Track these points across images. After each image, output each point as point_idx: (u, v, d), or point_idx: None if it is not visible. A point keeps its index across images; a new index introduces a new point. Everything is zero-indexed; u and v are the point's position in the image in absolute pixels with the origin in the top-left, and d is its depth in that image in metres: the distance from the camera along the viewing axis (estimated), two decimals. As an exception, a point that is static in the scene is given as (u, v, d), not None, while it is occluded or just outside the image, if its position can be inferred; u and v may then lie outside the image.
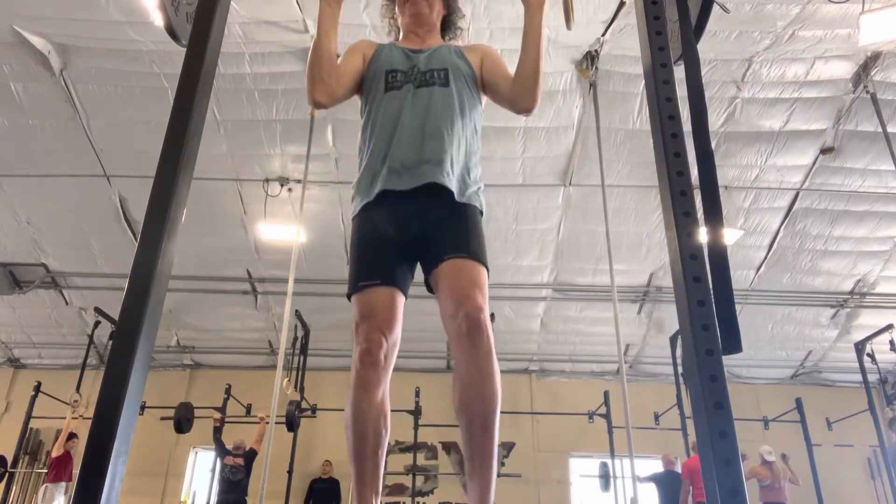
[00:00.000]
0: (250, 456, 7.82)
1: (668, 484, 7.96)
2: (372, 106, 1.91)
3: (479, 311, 1.59)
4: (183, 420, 8.47)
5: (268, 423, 7.56)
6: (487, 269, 1.72)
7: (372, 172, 1.81)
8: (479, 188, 1.86)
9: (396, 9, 2.11)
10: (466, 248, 1.70)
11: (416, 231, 1.75)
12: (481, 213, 1.84)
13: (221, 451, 7.89)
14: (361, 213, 1.83)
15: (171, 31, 1.71)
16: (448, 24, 2.15)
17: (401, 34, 2.12)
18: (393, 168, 1.77)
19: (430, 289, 1.76)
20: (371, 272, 1.73)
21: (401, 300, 1.75)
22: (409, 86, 1.87)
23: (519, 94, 1.90)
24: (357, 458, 1.64)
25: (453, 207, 1.76)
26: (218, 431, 7.98)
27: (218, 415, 8.15)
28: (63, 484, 7.68)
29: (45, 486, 7.69)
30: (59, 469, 7.73)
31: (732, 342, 1.15)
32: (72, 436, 7.93)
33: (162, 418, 8.92)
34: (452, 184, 1.76)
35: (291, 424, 8.50)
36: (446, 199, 1.75)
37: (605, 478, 8.74)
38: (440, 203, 1.75)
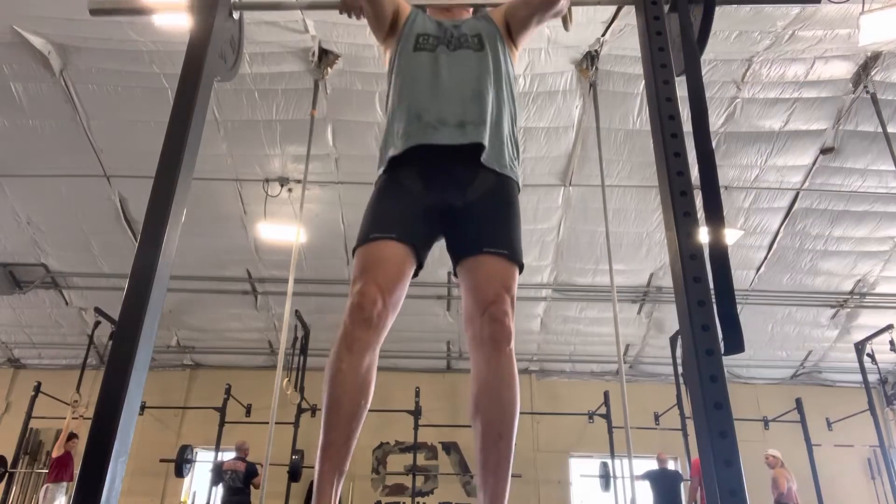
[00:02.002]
0: (249, 474, 7.86)
1: (662, 481, 7.99)
2: (402, 62, 1.81)
3: (505, 315, 1.53)
4: (183, 464, 8.59)
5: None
6: (521, 268, 1.61)
7: (405, 126, 1.65)
8: (519, 160, 1.75)
9: None
10: (508, 244, 1.58)
11: (450, 198, 1.61)
12: (518, 188, 1.72)
13: (218, 471, 7.98)
14: (387, 170, 1.68)
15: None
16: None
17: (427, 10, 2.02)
18: (430, 123, 1.62)
19: (454, 267, 1.64)
20: (387, 225, 1.57)
21: (411, 265, 1.59)
22: (443, 47, 1.77)
23: None
24: (326, 426, 1.44)
25: (495, 181, 1.64)
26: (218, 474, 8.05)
27: None
28: (64, 484, 7.68)
29: (45, 486, 7.69)
30: (59, 469, 7.73)
31: (735, 342, 1.15)
32: (72, 436, 7.93)
33: (161, 460, 8.95)
34: (496, 150, 1.65)
35: (295, 475, 8.58)
36: (487, 168, 1.63)
37: (606, 478, 8.76)
38: (481, 173, 1.63)
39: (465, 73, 1.72)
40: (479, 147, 1.61)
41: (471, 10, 2.01)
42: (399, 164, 1.65)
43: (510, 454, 1.50)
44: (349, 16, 1.86)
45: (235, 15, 1.94)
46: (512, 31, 1.89)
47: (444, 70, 1.72)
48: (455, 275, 1.64)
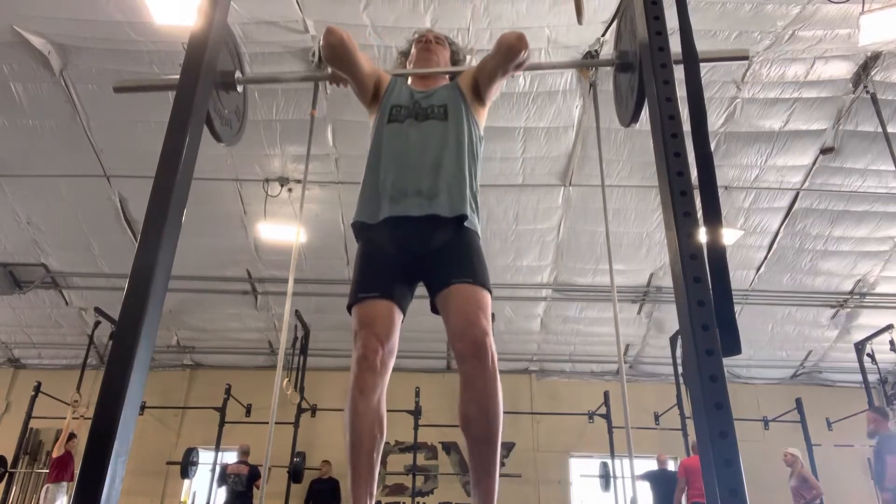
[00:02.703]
0: (252, 477, 7.90)
1: (661, 481, 7.99)
2: (377, 133, 2.07)
3: (484, 334, 1.70)
4: (188, 466, 8.70)
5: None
6: (491, 293, 1.83)
7: (376, 197, 1.92)
8: (477, 214, 1.97)
9: (407, 60, 2.34)
10: (473, 273, 1.81)
11: (419, 254, 1.87)
12: (478, 237, 1.95)
13: (222, 475, 8.05)
14: (364, 233, 1.95)
15: (214, 132, 1.91)
16: (455, 62, 2.37)
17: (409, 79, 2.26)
18: (395, 197, 1.88)
19: (434, 309, 1.87)
20: (371, 286, 1.84)
21: (398, 315, 1.85)
22: (411, 119, 2.02)
23: (496, 48, 2.00)
24: (353, 459, 1.69)
25: (455, 233, 1.88)
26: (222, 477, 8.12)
27: None
28: (65, 484, 7.68)
29: (46, 486, 7.70)
30: (60, 469, 7.73)
31: (732, 344, 1.14)
32: (71, 436, 7.93)
33: (168, 462, 9.11)
34: (455, 209, 1.87)
35: (298, 476, 8.69)
36: (448, 226, 1.87)
37: (606, 478, 8.76)
38: (442, 230, 1.87)
39: (428, 144, 1.96)
40: (436, 217, 1.86)
41: (447, 77, 2.26)
42: (374, 228, 1.91)
43: (497, 455, 1.71)
44: (337, 86, 2.22)
45: (239, 88, 2.12)
46: (480, 88, 2.11)
47: (410, 141, 1.97)
48: (434, 310, 1.88)
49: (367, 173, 2.00)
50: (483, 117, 2.16)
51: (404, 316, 1.89)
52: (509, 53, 1.98)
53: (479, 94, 2.12)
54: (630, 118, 1.83)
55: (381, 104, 2.11)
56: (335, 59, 2.05)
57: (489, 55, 2.04)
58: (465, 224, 1.89)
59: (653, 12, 1.45)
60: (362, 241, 1.96)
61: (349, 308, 1.85)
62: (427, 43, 2.27)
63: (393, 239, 1.88)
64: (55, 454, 7.92)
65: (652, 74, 1.38)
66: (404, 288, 1.89)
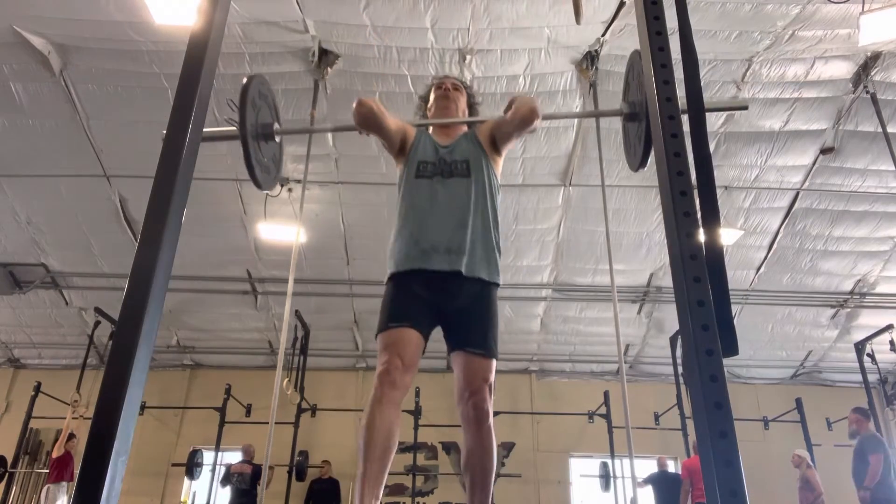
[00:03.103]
0: (256, 475, 7.91)
1: (663, 484, 7.98)
2: (406, 186, 2.28)
3: (484, 402, 2.02)
4: (193, 468, 8.74)
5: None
6: (497, 359, 2.10)
7: (406, 249, 2.15)
8: (500, 260, 2.21)
9: (427, 106, 2.54)
10: (486, 346, 2.07)
11: (444, 304, 2.10)
12: (499, 285, 2.19)
13: (226, 475, 8.08)
14: (395, 278, 2.16)
15: (255, 180, 2.18)
16: (472, 112, 2.58)
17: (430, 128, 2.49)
18: (425, 249, 2.11)
19: (448, 351, 2.13)
20: (401, 317, 2.07)
21: (421, 343, 2.08)
22: (438, 176, 2.24)
23: (512, 116, 2.26)
24: (364, 460, 1.87)
25: (479, 289, 2.12)
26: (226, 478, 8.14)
27: None
28: (65, 484, 7.68)
29: (46, 486, 7.70)
30: (60, 469, 7.73)
31: (729, 345, 1.14)
32: (71, 436, 7.93)
33: (173, 464, 9.18)
34: (477, 269, 2.12)
35: (301, 474, 8.73)
36: (473, 282, 2.11)
37: (606, 478, 8.75)
38: (467, 284, 2.10)
39: (455, 201, 2.18)
40: (461, 274, 2.10)
41: (465, 126, 2.46)
42: (405, 275, 2.14)
43: (490, 492, 2.07)
44: (367, 135, 2.33)
45: (277, 139, 2.34)
46: (497, 144, 2.35)
47: (439, 198, 2.19)
48: (448, 355, 2.14)
49: (399, 226, 2.22)
50: (500, 166, 2.40)
51: (426, 345, 2.12)
52: (523, 123, 2.23)
53: (495, 147, 2.35)
54: (639, 164, 1.98)
55: (408, 158, 2.32)
56: (366, 125, 2.25)
57: (506, 120, 2.26)
58: (490, 278, 2.15)
59: (653, 12, 1.45)
60: (394, 281, 2.17)
61: (376, 336, 2.07)
62: (445, 90, 2.46)
63: (423, 283, 2.10)
64: (55, 454, 7.92)
65: (652, 74, 1.38)
66: (429, 325, 2.12)
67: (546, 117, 2.33)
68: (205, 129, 2.19)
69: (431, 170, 2.25)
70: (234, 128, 2.08)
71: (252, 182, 2.19)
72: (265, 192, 7.64)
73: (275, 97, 2.37)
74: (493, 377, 2.07)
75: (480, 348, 2.06)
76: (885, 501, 5.77)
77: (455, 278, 2.09)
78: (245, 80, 2.14)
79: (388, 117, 2.29)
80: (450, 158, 2.28)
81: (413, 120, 2.51)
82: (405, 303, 2.10)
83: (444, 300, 2.09)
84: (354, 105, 2.22)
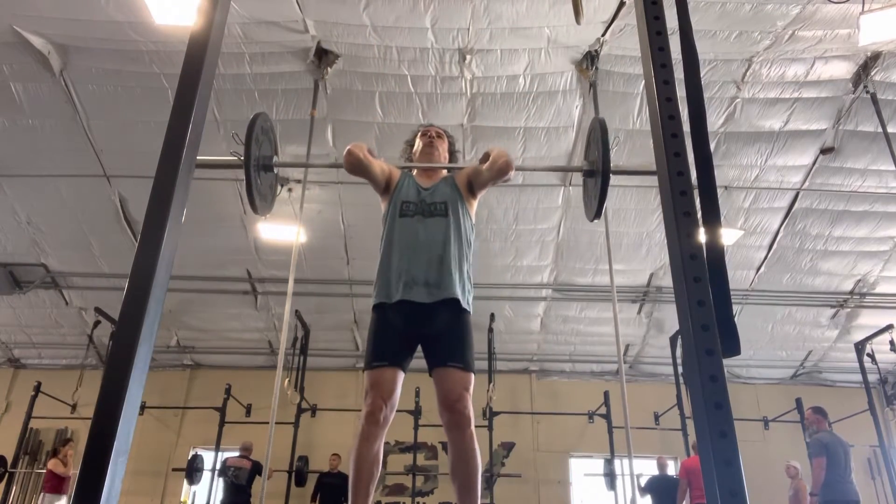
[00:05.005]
0: (255, 470, 7.88)
1: (663, 490, 7.88)
2: (391, 224, 2.54)
3: (466, 408, 2.26)
4: (194, 472, 8.76)
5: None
6: (474, 373, 2.36)
7: (390, 282, 2.41)
8: (470, 293, 2.48)
9: (413, 150, 2.83)
10: (464, 360, 2.33)
11: (423, 329, 2.38)
12: (470, 313, 2.46)
13: (223, 468, 8.03)
14: (379, 309, 2.43)
15: (254, 206, 2.49)
16: (452, 158, 2.89)
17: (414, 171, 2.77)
18: (408, 283, 2.37)
19: (430, 371, 2.37)
20: (382, 356, 2.35)
21: (401, 377, 2.36)
22: (419, 216, 2.51)
23: (489, 166, 2.55)
24: (353, 488, 2.22)
25: (452, 315, 2.38)
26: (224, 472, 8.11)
27: None
28: (63, 497, 7.72)
29: (43, 495, 7.72)
30: (58, 483, 7.77)
31: (730, 345, 1.14)
32: (67, 441, 7.94)
33: (174, 469, 9.17)
34: (453, 294, 2.37)
35: (301, 479, 8.74)
36: (448, 309, 2.38)
37: (611, 476, 8.63)
38: (445, 311, 2.37)
39: (434, 238, 2.45)
40: (438, 304, 2.37)
41: (445, 171, 2.76)
42: (388, 307, 2.40)
43: (478, 494, 2.27)
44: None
45: (275, 170, 2.64)
46: (474, 188, 2.65)
47: (419, 236, 2.46)
48: (430, 375, 2.37)
49: (382, 259, 2.49)
50: (474, 207, 2.69)
51: (405, 373, 2.39)
52: (499, 174, 2.53)
53: (472, 192, 2.64)
54: (594, 215, 2.48)
55: (393, 197, 2.60)
56: (355, 171, 2.56)
57: (483, 169, 2.55)
58: (463, 307, 2.41)
59: (653, 12, 1.45)
60: (378, 314, 2.44)
61: (364, 371, 2.37)
62: (430, 138, 2.76)
63: (403, 317, 2.37)
64: (51, 466, 7.90)
65: (652, 74, 1.38)
66: (408, 354, 2.41)
67: (519, 169, 2.71)
68: (208, 158, 2.40)
69: (413, 209, 2.53)
70: (236, 157, 2.35)
71: (251, 208, 2.45)
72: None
73: (275, 131, 2.65)
74: (471, 389, 2.31)
75: (460, 363, 2.32)
76: None
77: (434, 307, 2.35)
78: (251, 119, 2.43)
79: (375, 163, 2.60)
80: (430, 200, 2.55)
81: (399, 162, 2.81)
82: (386, 339, 2.38)
83: (425, 326, 2.36)
84: (345, 153, 2.53)
